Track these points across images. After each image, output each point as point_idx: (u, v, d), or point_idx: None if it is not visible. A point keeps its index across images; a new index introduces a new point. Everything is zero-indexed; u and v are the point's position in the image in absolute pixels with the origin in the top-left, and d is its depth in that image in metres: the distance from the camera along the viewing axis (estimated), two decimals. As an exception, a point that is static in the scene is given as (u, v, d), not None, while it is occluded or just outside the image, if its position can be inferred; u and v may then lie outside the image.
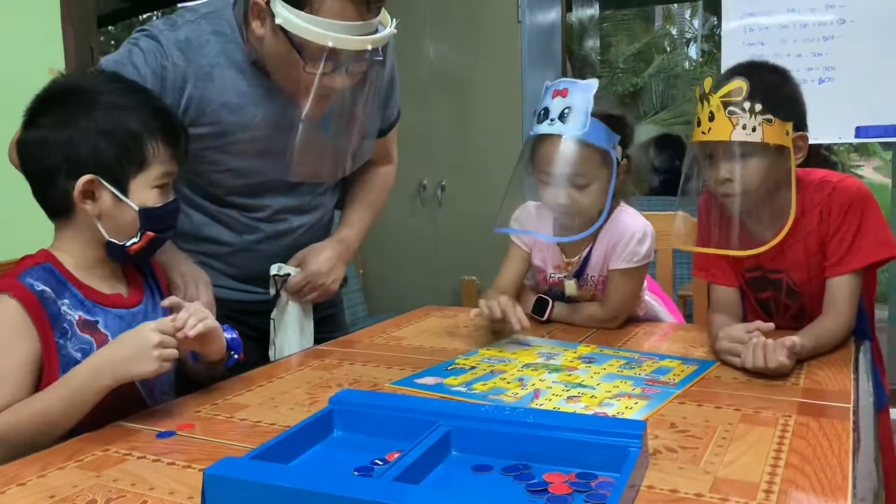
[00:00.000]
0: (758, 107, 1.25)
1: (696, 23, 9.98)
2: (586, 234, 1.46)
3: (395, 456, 0.83)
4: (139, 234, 1.11)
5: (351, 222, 1.61)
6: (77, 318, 1.08)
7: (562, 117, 1.38)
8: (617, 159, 1.42)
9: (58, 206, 1.11)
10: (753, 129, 1.25)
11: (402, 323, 1.61)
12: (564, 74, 4.13)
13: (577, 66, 6.92)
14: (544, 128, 1.40)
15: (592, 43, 8.38)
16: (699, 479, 0.81)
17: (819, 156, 3.87)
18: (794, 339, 1.18)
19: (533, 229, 1.56)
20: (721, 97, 1.27)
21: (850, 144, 7.50)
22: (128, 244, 1.11)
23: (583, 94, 1.38)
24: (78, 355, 1.07)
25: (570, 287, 1.55)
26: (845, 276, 1.34)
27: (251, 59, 1.36)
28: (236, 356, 1.19)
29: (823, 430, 0.94)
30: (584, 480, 0.80)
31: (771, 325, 1.23)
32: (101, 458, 0.92)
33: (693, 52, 9.93)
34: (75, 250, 1.12)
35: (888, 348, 3.38)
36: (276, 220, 1.50)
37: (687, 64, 9.39)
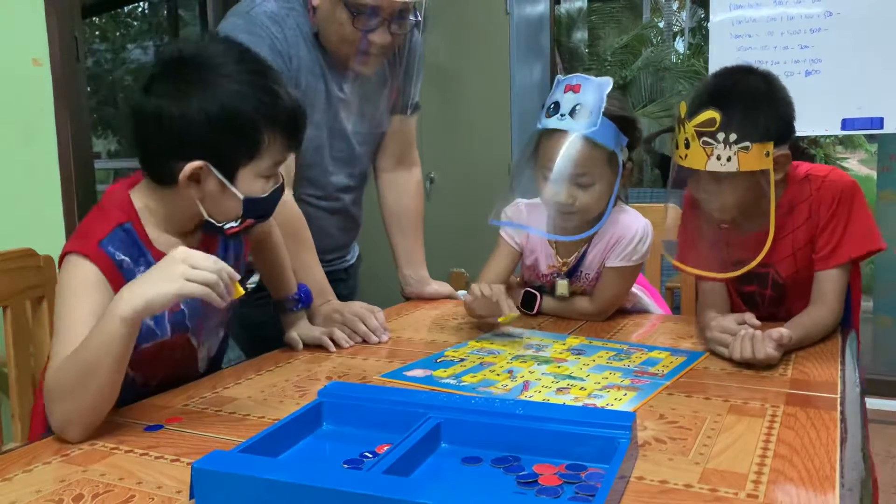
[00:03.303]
0: (732, 136, 1.23)
1: (683, 15, 9.99)
2: (584, 235, 1.45)
3: (385, 448, 0.83)
4: (239, 221, 1.09)
5: (418, 261, 1.82)
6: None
7: (572, 113, 1.35)
8: (623, 162, 1.40)
9: (161, 178, 1.07)
10: (728, 159, 1.24)
11: (391, 315, 1.60)
12: (553, 67, 4.13)
13: (565, 58, 6.93)
14: (553, 122, 1.37)
15: (581, 35, 8.38)
16: (688, 470, 0.81)
17: (797, 149, 3.90)
18: (781, 331, 1.19)
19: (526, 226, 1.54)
20: (695, 126, 1.26)
21: (836, 137, 7.54)
22: (226, 227, 1.10)
23: (596, 91, 1.35)
24: (150, 322, 1.09)
25: (562, 287, 1.53)
26: (834, 269, 1.35)
27: (314, 32, 1.51)
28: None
29: (811, 421, 0.95)
30: (573, 472, 0.80)
31: (757, 322, 1.23)
32: (88, 452, 0.91)
33: (681, 45, 9.94)
34: (163, 213, 1.10)
35: (872, 338, 3.42)
36: (332, 199, 1.67)
37: (674, 57, 9.40)
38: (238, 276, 1.00)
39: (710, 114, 1.24)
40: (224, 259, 1.15)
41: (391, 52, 1.57)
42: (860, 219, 1.35)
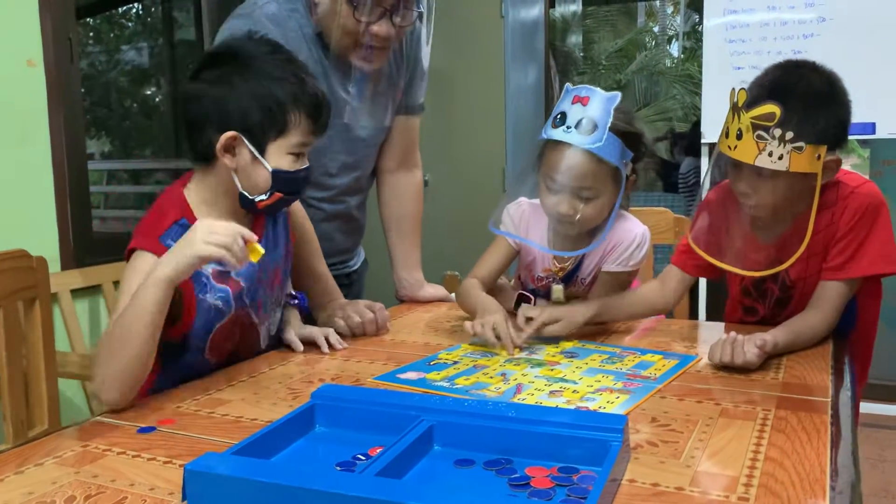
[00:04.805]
0: (789, 134, 1.18)
1: (678, 20, 10.02)
2: (583, 251, 1.45)
3: (378, 451, 0.83)
4: (269, 194, 1.21)
5: (414, 264, 1.83)
6: (211, 271, 1.21)
7: (578, 126, 1.33)
8: (626, 176, 1.39)
9: (202, 154, 1.21)
10: (780, 158, 1.19)
11: (384, 318, 1.60)
12: (547, 70, 4.14)
13: (559, 62, 6.94)
14: (559, 134, 1.35)
15: (575, 39, 8.40)
16: (680, 473, 0.82)
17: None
18: (765, 337, 1.19)
19: (526, 229, 1.54)
20: (752, 118, 1.20)
21: (829, 142, 7.56)
22: (257, 199, 1.22)
23: (603, 105, 1.33)
24: (219, 303, 1.23)
25: (557, 292, 1.53)
26: (840, 282, 1.33)
27: (316, 32, 1.52)
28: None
29: (802, 425, 0.95)
30: (565, 474, 0.80)
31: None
32: (81, 453, 0.91)
33: (675, 49, 9.98)
34: (209, 196, 1.24)
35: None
36: (336, 202, 1.68)
37: (669, 61, 9.43)
38: (255, 238, 1.10)
39: (771, 107, 1.19)
40: (273, 242, 1.34)
41: (394, 45, 1.57)
42: (879, 238, 1.32)
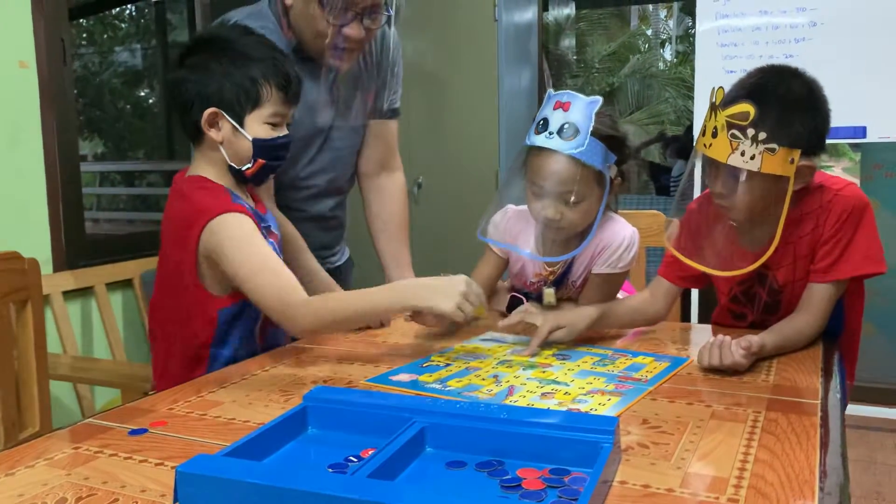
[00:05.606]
0: (762, 135, 1.19)
1: (671, 23, 10.06)
2: (569, 256, 1.46)
3: (370, 453, 0.83)
4: (252, 161, 1.33)
5: (405, 265, 1.82)
6: (260, 226, 1.34)
7: (560, 132, 1.34)
8: (611, 179, 1.40)
9: (192, 132, 1.34)
10: (752, 157, 1.20)
11: (377, 320, 1.60)
12: (541, 73, 4.15)
13: (553, 65, 6.95)
14: (541, 140, 1.36)
15: (568, 42, 8.43)
16: (670, 475, 0.82)
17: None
18: (751, 339, 1.19)
19: (513, 236, 1.54)
20: (727, 116, 1.21)
21: (821, 145, 7.59)
22: (243, 168, 1.33)
23: (584, 110, 1.34)
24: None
25: (549, 296, 1.54)
26: (828, 283, 1.34)
27: (291, 47, 1.55)
28: None
29: (792, 427, 0.96)
30: (557, 476, 0.81)
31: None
32: (72, 455, 0.91)
33: (668, 52, 10.01)
34: (211, 171, 1.35)
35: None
36: (313, 202, 1.71)
37: (661, 64, 9.46)
38: (486, 304, 1.30)
39: (745, 107, 1.20)
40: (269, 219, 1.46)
41: (365, 46, 1.59)
42: (864, 239, 1.32)
